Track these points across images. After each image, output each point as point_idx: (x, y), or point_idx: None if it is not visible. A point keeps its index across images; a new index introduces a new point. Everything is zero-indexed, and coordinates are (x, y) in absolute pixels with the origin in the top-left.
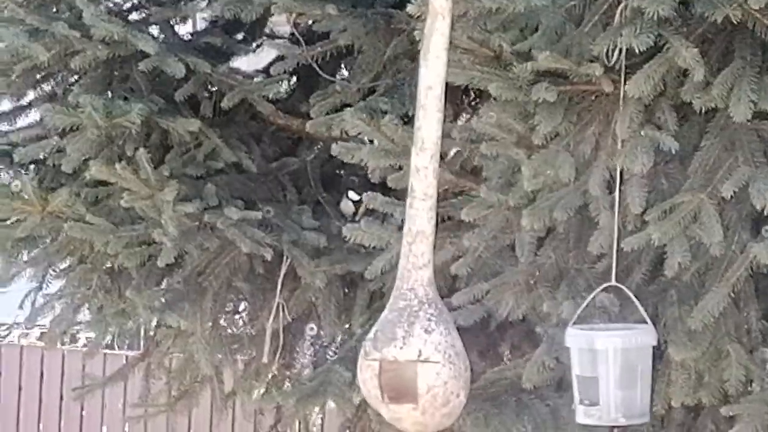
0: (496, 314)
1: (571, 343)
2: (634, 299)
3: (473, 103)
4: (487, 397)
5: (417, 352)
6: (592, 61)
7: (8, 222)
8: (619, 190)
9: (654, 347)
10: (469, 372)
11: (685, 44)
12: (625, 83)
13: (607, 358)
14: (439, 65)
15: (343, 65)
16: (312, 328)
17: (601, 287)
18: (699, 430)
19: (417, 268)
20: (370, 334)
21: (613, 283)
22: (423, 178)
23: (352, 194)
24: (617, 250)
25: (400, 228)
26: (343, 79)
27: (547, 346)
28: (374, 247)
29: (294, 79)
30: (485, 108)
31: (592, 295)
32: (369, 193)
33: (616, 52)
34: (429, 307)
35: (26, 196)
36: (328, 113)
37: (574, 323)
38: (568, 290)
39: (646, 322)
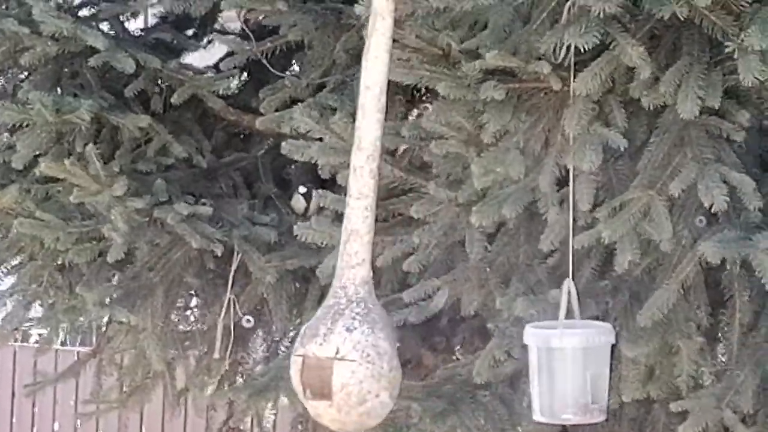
0: (448, 311)
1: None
2: (575, 300)
3: (424, 100)
4: (442, 394)
5: (335, 349)
6: (540, 59)
7: None
8: (572, 187)
9: (612, 345)
10: (395, 373)
11: (631, 42)
12: (573, 81)
13: (564, 356)
14: (379, 65)
15: (293, 61)
16: (249, 320)
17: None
18: (651, 425)
19: (350, 266)
20: (301, 330)
21: (570, 280)
22: (359, 177)
23: (302, 190)
24: (572, 247)
25: None
26: (293, 75)
27: (498, 340)
28: (326, 244)
29: (244, 74)
30: (434, 106)
31: (564, 296)
32: (319, 191)
33: (563, 50)
34: (356, 306)
35: None
36: (277, 109)
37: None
38: (519, 285)
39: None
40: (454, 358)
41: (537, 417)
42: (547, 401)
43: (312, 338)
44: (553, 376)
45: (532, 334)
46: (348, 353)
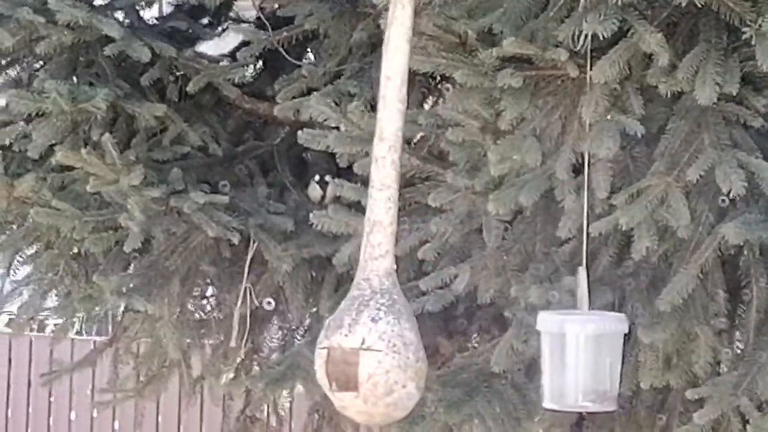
0: (464, 299)
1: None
2: (584, 288)
3: (438, 87)
4: (457, 383)
5: (361, 340)
6: (557, 47)
7: None
8: (587, 174)
9: (625, 334)
10: (421, 364)
11: (649, 29)
12: (590, 68)
13: (576, 343)
14: (399, 55)
15: (309, 49)
16: (269, 302)
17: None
18: (668, 412)
19: (373, 258)
20: (325, 323)
21: (584, 266)
22: (381, 167)
23: (318, 179)
24: (586, 234)
25: None
26: (309, 64)
27: (516, 330)
28: (342, 232)
29: (260, 63)
30: (451, 94)
31: (583, 282)
32: (336, 180)
33: (581, 38)
34: (381, 297)
35: None
36: (294, 98)
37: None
38: (536, 273)
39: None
40: (471, 346)
41: (547, 404)
42: (557, 389)
43: (337, 330)
44: (565, 363)
45: (544, 321)
46: (374, 343)
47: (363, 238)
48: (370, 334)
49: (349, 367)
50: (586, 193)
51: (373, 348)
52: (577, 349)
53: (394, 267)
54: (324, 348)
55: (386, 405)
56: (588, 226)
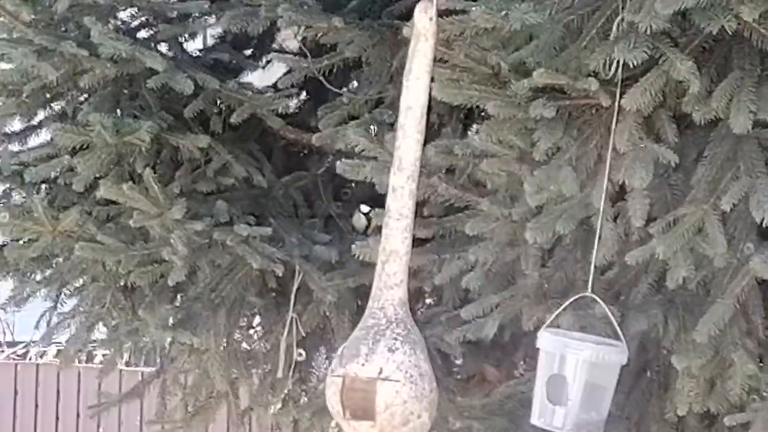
0: (510, 326)
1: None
2: (608, 312)
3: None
4: (503, 411)
5: (378, 369)
6: (589, 76)
7: (21, 242)
8: (602, 201)
9: (622, 366)
10: (434, 394)
11: (680, 57)
12: (620, 97)
13: (574, 367)
14: (420, 87)
15: (353, 77)
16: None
17: (575, 297)
18: None
19: (389, 287)
20: (338, 351)
21: (589, 293)
22: (399, 197)
23: (363, 207)
24: (595, 262)
25: None
26: (350, 91)
27: None
28: None
29: (303, 93)
30: (485, 125)
31: (566, 303)
32: (376, 210)
33: (613, 66)
34: (397, 326)
35: (37, 216)
36: (336, 126)
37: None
38: (576, 302)
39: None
40: (519, 373)
41: (534, 421)
42: (546, 408)
43: (353, 358)
44: (558, 384)
45: (544, 339)
46: (392, 374)
47: (377, 267)
48: (388, 364)
49: (366, 396)
50: (599, 222)
51: (391, 378)
52: (574, 373)
53: (407, 296)
54: (339, 376)
55: None
56: (596, 256)
